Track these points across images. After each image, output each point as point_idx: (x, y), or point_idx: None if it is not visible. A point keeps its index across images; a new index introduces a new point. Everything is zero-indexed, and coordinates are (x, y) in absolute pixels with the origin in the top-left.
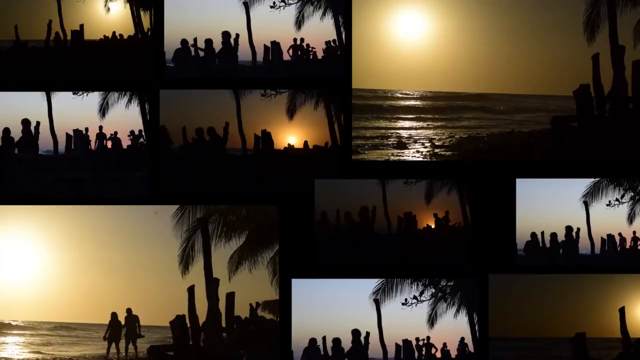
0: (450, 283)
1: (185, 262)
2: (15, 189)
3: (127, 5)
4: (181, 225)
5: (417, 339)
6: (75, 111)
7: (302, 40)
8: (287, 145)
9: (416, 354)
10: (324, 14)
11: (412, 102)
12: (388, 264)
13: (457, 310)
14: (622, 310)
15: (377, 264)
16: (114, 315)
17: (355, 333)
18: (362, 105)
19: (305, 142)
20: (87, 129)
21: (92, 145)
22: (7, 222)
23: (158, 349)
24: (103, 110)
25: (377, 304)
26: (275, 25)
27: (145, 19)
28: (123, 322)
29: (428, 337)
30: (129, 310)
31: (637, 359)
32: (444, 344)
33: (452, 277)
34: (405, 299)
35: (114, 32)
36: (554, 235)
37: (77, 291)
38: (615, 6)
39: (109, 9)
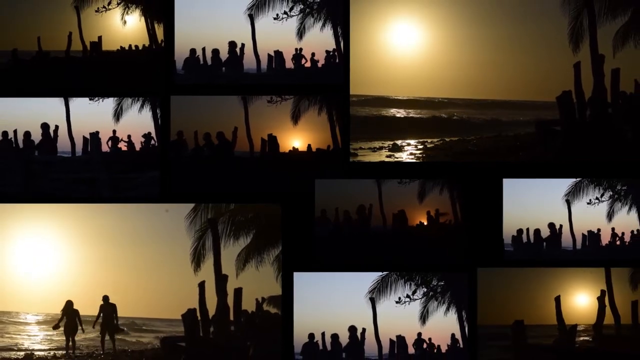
0: (441, 283)
1: (197, 259)
2: (35, 189)
3: (142, 18)
4: (194, 225)
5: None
6: (92, 116)
7: (303, 49)
8: (291, 149)
9: (409, 349)
10: (323, 25)
11: (407, 107)
12: (383, 258)
13: (447, 308)
14: (601, 300)
15: (373, 258)
16: (68, 303)
17: (352, 329)
18: (360, 109)
19: (309, 146)
20: (102, 133)
21: (107, 147)
22: (26, 219)
23: (170, 340)
24: (117, 114)
25: (373, 302)
26: (278, 36)
27: (159, 31)
28: (98, 311)
29: (420, 333)
30: (105, 298)
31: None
32: (430, 339)
33: (443, 271)
34: (399, 298)
35: (130, 45)
36: (538, 232)
37: (91, 286)
38: (595, 18)
39: (125, 22)
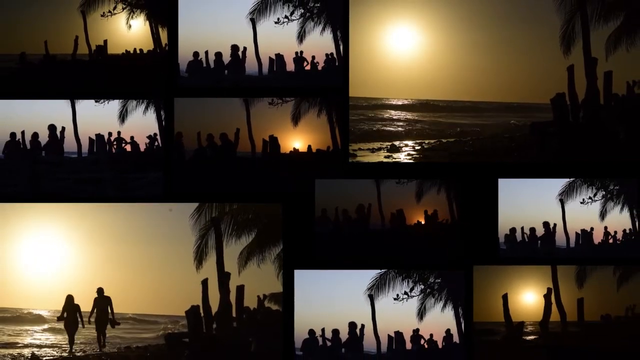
0: (437, 280)
1: (200, 257)
2: (41, 189)
3: (147, 23)
4: (198, 224)
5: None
6: (97, 117)
7: (303, 52)
8: (292, 149)
9: (407, 345)
10: (323, 29)
11: (404, 110)
12: (382, 256)
13: (444, 305)
14: (548, 298)
15: (372, 256)
16: (68, 298)
17: (352, 325)
18: (359, 112)
19: (309, 146)
20: (108, 134)
21: (112, 148)
22: (33, 219)
23: (175, 336)
24: (122, 116)
25: (372, 299)
26: (279, 39)
27: (164, 35)
28: (92, 305)
29: (417, 329)
30: (99, 291)
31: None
32: (431, 335)
33: (439, 269)
34: (397, 295)
35: (135, 48)
36: (533, 230)
37: (96, 283)
38: (588, 22)
39: (130, 26)
